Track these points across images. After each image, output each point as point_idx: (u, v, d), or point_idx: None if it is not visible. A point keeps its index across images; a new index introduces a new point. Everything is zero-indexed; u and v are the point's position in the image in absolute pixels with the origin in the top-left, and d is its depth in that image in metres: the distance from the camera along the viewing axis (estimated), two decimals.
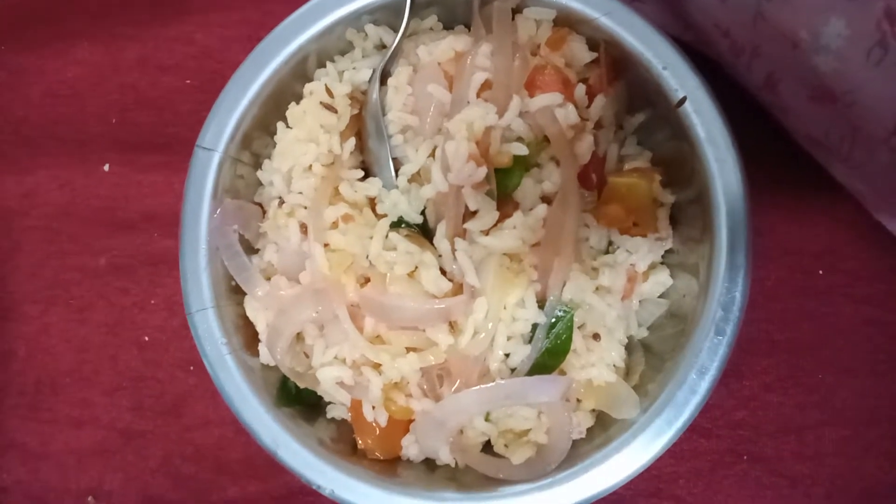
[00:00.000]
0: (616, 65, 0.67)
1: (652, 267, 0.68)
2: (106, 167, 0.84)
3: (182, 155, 0.80)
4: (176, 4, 0.86)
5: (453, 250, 0.62)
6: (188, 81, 0.85)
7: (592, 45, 0.67)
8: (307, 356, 0.66)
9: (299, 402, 0.69)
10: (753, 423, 0.76)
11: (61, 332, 0.82)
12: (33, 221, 0.84)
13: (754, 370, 0.76)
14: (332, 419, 0.70)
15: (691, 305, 0.65)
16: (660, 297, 0.70)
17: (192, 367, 0.81)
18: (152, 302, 0.82)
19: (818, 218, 0.77)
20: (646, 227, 0.66)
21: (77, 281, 0.83)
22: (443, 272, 0.63)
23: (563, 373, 0.64)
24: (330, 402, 0.70)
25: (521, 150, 0.63)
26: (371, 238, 0.63)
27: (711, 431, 0.76)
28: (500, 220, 0.63)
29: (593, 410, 0.66)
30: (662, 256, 0.70)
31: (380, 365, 0.63)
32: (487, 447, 0.67)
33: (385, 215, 0.65)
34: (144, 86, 0.85)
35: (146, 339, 0.82)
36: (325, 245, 0.64)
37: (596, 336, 0.65)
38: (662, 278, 0.68)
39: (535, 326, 0.62)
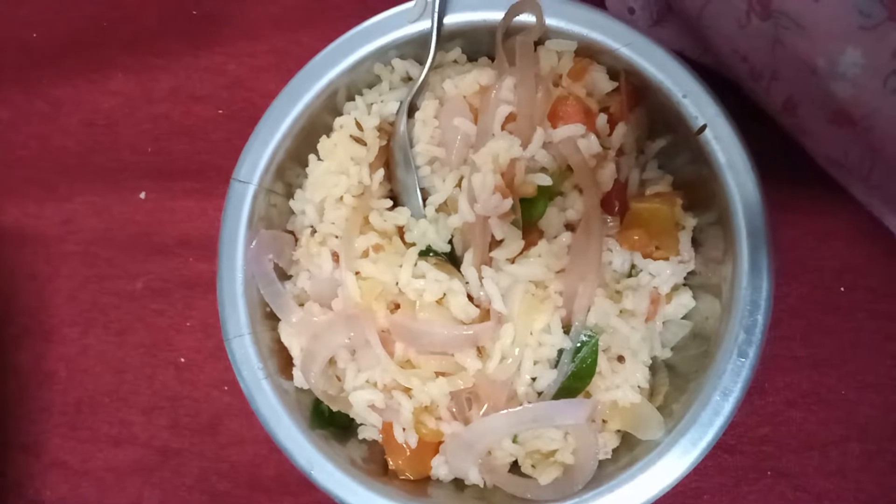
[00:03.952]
0: (636, 93, 0.67)
1: (675, 289, 0.69)
2: (142, 195, 0.85)
3: (215, 181, 0.85)
4: (206, 35, 0.87)
5: (480, 278, 0.63)
6: (220, 111, 0.86)
7: (613, 75, 0.68)
8: (340, 380, 0.68)
9: (332, 423, 0.70)
10: (777, 439, 0.76)
11: (100, 353, 0.84)
12: (72, 247, 0.86)
13: (777, 386, 0.76)
14: (364, 440, 0.71)
15: (714, 327, 0.65)
16: (683, 318, 0.70)
17: (226, 387, 0.82)
18: (188, 324, 0.83)
19: (839, 235, 0.77)
20: (668, 251, 0.67)
21: (115, 304, 0.85)
22: (470, 299, 0.64)
23: (588, 395, 0.65)
24: (361, 424, 0.71)
25: (545, 180, 0.64)
26: (400, 266, 0.64)
27: (735, 447, 0.76)
28: (526, 248, 0.63)
29: (619, 431, 0.67)
30: (685, 278, 0.70)
31: (410, 389, 0.64)
32: (515, 467, 0.68)
33: (414, 244, 0.66)
34: (177, 115, 0.87)
35: (182, 359, 0.83)
36: (357, 273, 0.65)
37: (620, 358, 0.65)
38: (685, 300, 0.69)
39: (560, 351, 0.63)
